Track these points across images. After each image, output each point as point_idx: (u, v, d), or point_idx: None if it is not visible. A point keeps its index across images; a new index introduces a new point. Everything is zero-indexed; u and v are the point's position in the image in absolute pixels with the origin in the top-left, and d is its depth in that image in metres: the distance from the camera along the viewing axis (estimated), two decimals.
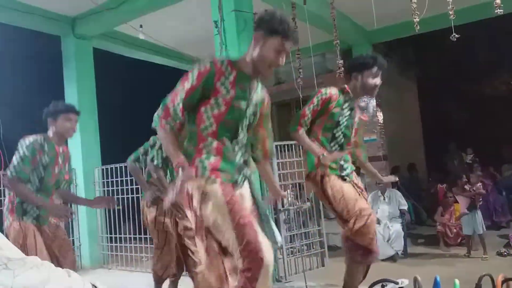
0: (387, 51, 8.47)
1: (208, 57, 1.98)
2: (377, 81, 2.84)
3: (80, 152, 5.55)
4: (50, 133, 2.94)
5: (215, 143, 1.95)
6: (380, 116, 7.33)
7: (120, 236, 5.55)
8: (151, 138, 3.59)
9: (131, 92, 8.90)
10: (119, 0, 5.19)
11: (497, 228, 6.48)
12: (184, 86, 1.94)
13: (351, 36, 6.80)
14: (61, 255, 2.90)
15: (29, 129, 2.97)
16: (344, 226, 2.83)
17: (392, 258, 5.12)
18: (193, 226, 2.03)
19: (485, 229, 5.10)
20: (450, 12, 3.61)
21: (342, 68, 4.41)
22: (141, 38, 6.07)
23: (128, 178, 5.28)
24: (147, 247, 5.31)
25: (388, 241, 5.19)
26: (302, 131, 2.81)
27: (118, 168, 5.36)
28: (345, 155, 2.93)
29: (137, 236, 5.50)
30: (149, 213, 3.51)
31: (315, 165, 2.82)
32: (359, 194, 2.86)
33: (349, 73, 2.94)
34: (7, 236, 2.79)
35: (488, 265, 4.32)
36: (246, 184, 2.09)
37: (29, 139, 2.80)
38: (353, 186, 2.89)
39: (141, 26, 5.82)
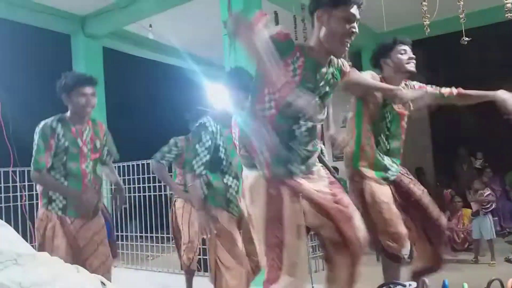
0: None
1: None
2: (409, 55, 2.61)
3: None
4: (68, 112, 2.69)
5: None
6: None
7: (126, 234, 5.57)
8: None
9: (140, 91, 8.93)
10: (129, 0, 5.22)
11: (505, 234, 6.42)
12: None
13: (360, 38, 6.70)
14: (87, 257, 2.61)
15: None
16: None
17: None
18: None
19: (494, 236, 5.06)
20: (461, 16, 3.59)
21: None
22: (151, 38, 6.10)
23: (136, 176, 5.30)
24: (153, 245, 5.33)
25: None
26: None
27: (126, 166, 5.38)
28: None
29: (143, 234, 5.52)
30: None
31: None
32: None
33: (377, 64, 2.75)
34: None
35: (496, 271, 4.27)
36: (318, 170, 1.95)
37: (39, 125, 2.62)
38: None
39: (150, 25, 5.84)
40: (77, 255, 2.56)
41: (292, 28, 4.71)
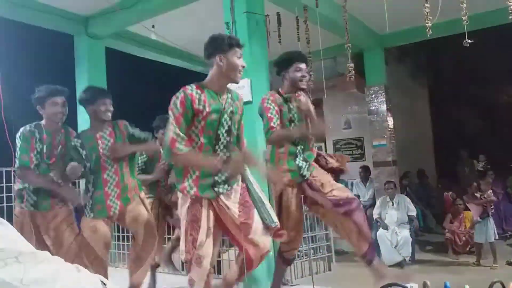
0: (399, 56, 8.42)
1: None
2: (303, 73, 2.94)
3: None
4: (43, 120, 2.98)
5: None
6: (390, 121, 7.28)
7: (127, 234, 5.56)
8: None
9: (142, 92, 8.95)
10: (132, 0, 5.22)
11: (507, 237, 6.40)
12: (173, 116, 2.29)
13: (363, 40, 6.77)
14: (55, 246, 2.91)
15: None
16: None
17: (399, 264, 5.09)
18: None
19: (497, 237, 5.05)
20: (464, 18, 3.58)
21: (353, 72, 4.40)
22: (153, 39, 6.10)
23: None
24: None
25: (395, 247, 5.15)
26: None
27: None
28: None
29: None
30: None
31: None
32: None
33: (279, 73, 3.04)
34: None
35: (497, 274, 4.25)
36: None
37: (20, 130, 2.92)
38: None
39: (153, 26, 5.85)
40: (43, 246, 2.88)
41: (295, 29, 4.71)
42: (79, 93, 3.24)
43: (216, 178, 2.33)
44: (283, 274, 3.46)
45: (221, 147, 2.39)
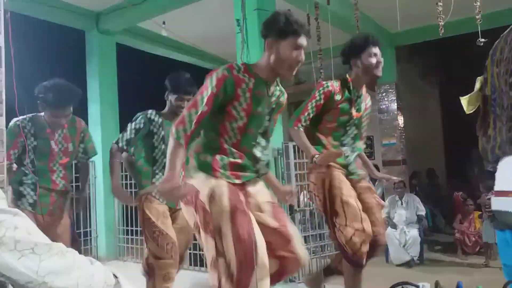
0: (410, 54, 8.36)
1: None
2: (378, 58, 2.57)
3: (100, 146, 5.63)
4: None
5: (236, 154, 1.92)
6: (400, 119, 7.24)
7: (136, 229, 5.60)
8: None
9: (152, 88, 8.97)
10: None
11: None
12: (203, 95, 1.84)
13: None
14: None
15: None
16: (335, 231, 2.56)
17: (407, 264, 5.07)
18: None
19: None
20: (477, 17, 3.54)
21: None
22: (164, 35, 6.13)
23: None
24: None
25: (404, 246, 5.13)
26: (298, 128, 2.57)
27: None
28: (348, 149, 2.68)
29: None
30: None
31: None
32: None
33: (347, 62, 2.73)
34: None
35: None
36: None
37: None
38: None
39: (164, 22, 5.88)
40: None
41: None
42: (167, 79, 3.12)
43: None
44: None
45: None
